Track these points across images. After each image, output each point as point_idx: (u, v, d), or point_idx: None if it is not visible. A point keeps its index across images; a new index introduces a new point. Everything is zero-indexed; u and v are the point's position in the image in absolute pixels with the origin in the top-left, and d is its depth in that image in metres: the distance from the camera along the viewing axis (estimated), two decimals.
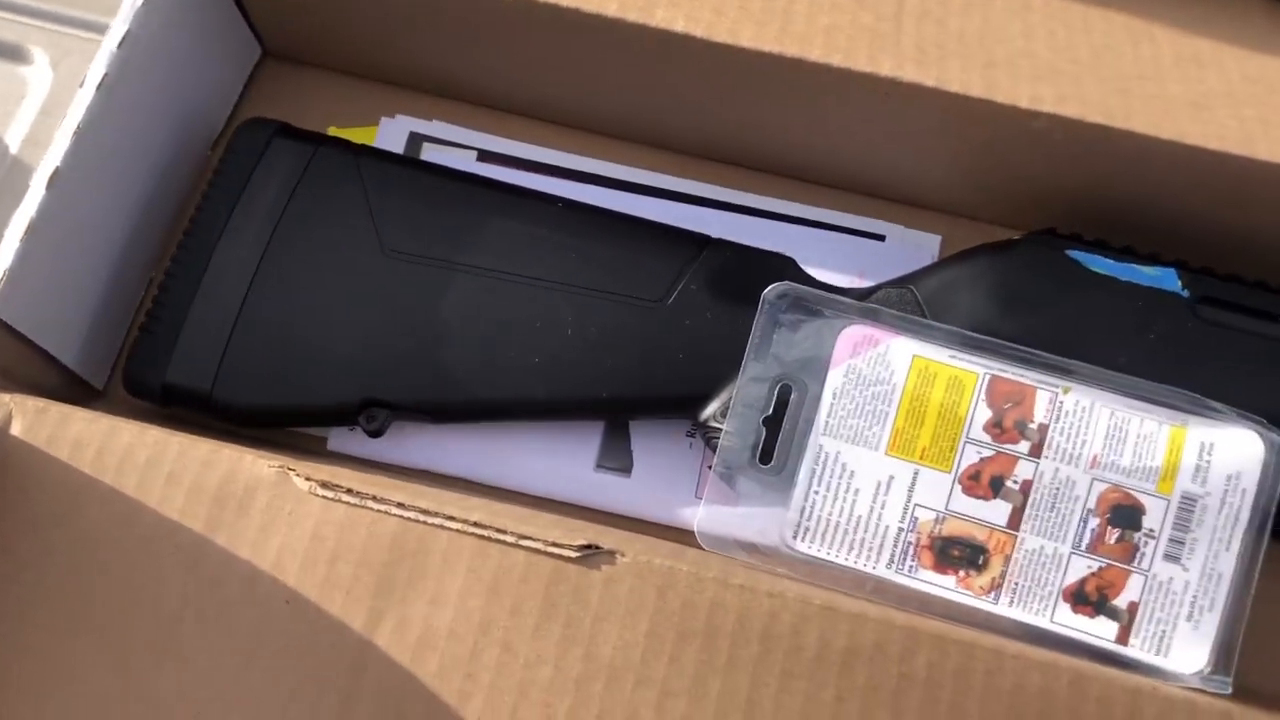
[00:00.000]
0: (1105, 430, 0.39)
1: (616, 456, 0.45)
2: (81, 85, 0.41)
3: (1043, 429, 0.39)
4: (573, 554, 0.36)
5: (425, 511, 0.37)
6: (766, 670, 0.35)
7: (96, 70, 0.41)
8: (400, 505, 0.37)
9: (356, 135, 0.49)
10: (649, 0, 0.43)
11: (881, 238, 0.49)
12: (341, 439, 0.45)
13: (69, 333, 0.42)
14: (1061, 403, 0.39)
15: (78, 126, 0.40)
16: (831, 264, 0.47)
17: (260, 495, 0.37)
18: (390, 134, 0.49)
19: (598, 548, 0.36)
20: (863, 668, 0.35)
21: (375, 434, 0.42)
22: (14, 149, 0.50)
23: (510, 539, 0.36)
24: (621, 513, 0.44)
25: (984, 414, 0.39)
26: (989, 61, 0.43)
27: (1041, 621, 0.39)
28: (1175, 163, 0.42)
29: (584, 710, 0.35)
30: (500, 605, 0.36)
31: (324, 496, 0.37)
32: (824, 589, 0.37)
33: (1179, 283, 0.43)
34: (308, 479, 0.37)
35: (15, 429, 0.37)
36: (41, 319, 0.40)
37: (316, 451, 0.45)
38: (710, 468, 0.45)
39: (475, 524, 0.36)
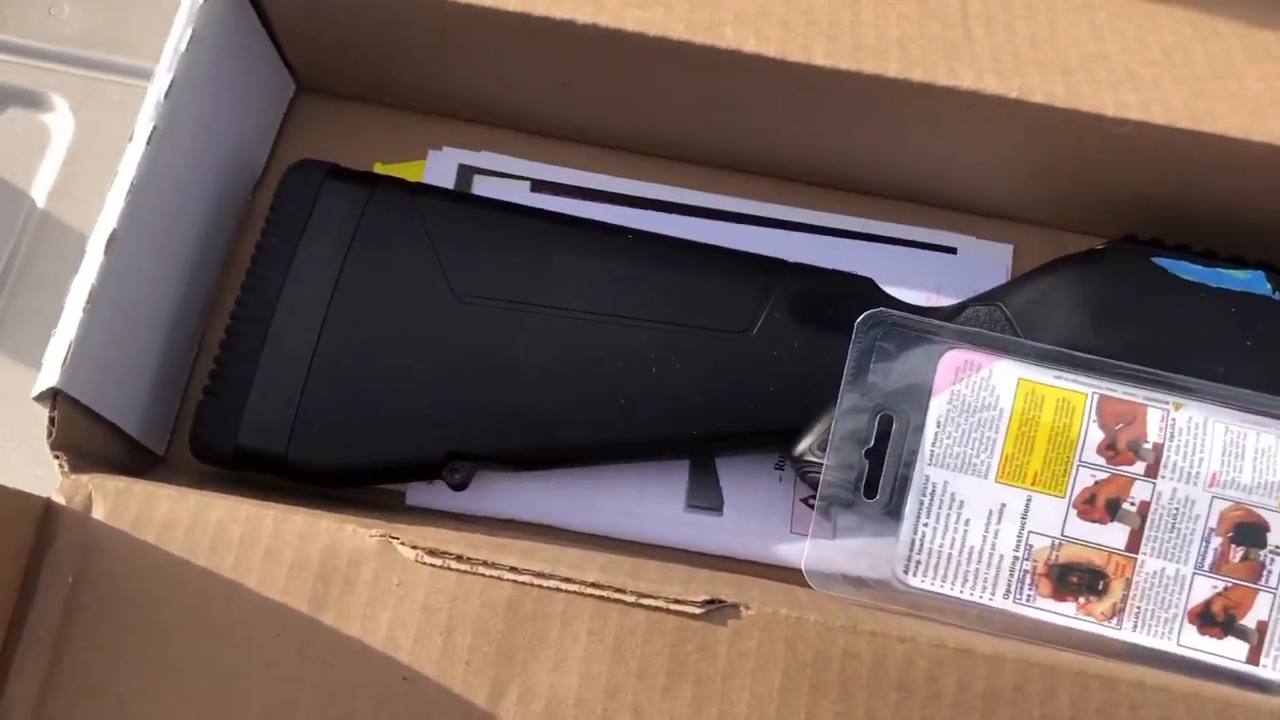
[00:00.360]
0: (1222, 446, 0.38)
1: (706, 495, 0.43)
2: (131, 139, 0.39)
3: (1158, 448, 0.38)
4: (697, 610, 0.35)
5: (540, 574, 0.35)
6: (905, 719, 0.34)
7: (145, 123, 0.39)
8: (513, 569, 0.35)
9: (404, 171, 0.47)
10: (714, 20, 0.41)
11: (953, 250, 0.48)
12: (421, 493, 0.43)
13: (130, 400, 0.40)
14: (1174, 420, 0.38)
15: (132, 184, 0.38)
16: (906, 281, 0.46)
17: (365, 568, 0.35)
18: (439, 168, 0.47)
19: (721, 602, 0.35)
20: (1004, 711, 0.34)
21: (459, 487, 0.41)
22: (40, 202, 0.47)
23: (630, 598, 0.35)
24: (714, 552, 0.43)
25: (1096, 435, 0.38)
26: (1065, 68, 0.42)
27: (1168, 645, 0.38)
28: (1264, 164, 0.41)
29: None
30: (626, 668, 0.34)
31: (432, 564, 0.35)
32: (953, 628, 0.36)
33: (1269, 286, 0.43)
34: (413, 547, 0.35)
35: (98, 512, 0.35)
36: (104, 389, 0.38)
37: (394, 507, 0.43)
38: (803, 500, 0.44)
39: (593, 584, 0.35)
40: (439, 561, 0.35)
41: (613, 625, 0.35)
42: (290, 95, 0.49)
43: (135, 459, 0.41)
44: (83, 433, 0.38)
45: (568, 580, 0.35)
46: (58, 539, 0.35)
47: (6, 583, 0.34)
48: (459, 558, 0.35)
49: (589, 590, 0.35)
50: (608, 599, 0.35)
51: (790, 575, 0.43)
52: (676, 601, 0.35)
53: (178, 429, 0.44)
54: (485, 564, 0.35)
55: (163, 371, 0.42)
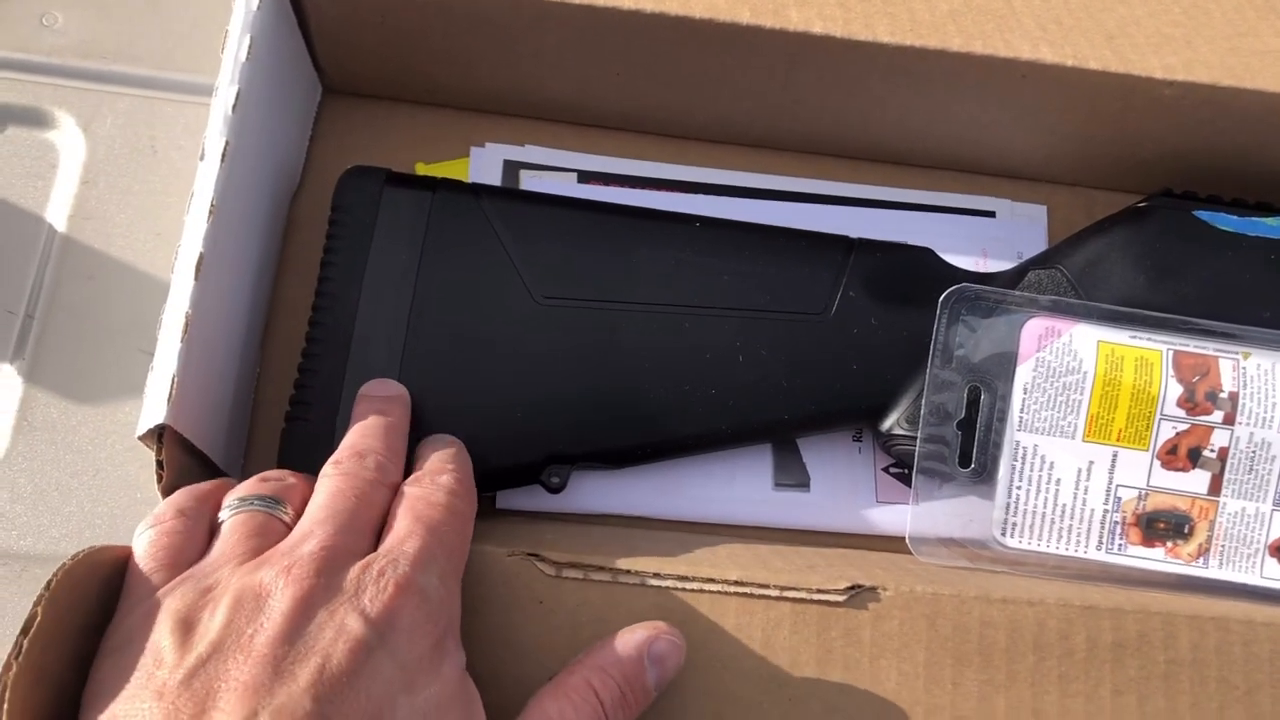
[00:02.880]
0: None
1: (793, 473, 0.44)
2: (202, 158, 0.37)
3: (1233, 396, 0.40)
4: (840, 598, 0.35)
5: (681, 578, 0.35)
6: (1044, 678, 0.36)
7: (216, 138, 0.37)
8: (656, 575, 0.35)
9: (447, 170, 0.46)
10: (778, 3, 0.41)
11: (992, 214, 0.49)
12: (510, 495, 0.42)
13: (216, 429, 0.38)
14: (1245, 368, 0.40)
15: (212, 204, 0.36)
16: (954, 247, 0.47)
17: (505, 589, 0.34)
18: (483, 165, 0.46)
19: (860, 586, 0.36)
20: (1132, 660, 0.36)
21: (557, 490, 0.40)
22: (60, 226, 0.45)
23: (774, 593, 0.35)
24: (804, 528, 0.44)
25: (1175, 389, 0.40)
26: (1107, 34, 0.43)
27: (1251, 579, 0.40)
28: None
29: None
30: (778, 660, 0.35)
31: (573, 578, 0.35)
32: (1077, 585, 0.38)
33: None
34: (554, 563, 0.35)
35: None
36: (199, 421, 0.36)
37: (483, 512, 0.42)
38: (885, 470, 0.45)
39: (735, 582, 0.35)
40: (580, 574, 0.35)
41: (759, 620, 0.35)
42: (319, 98, 0.47)
43: None
44: (184, 469, 0.36)
45: (710, 580, 0.35)
46: None
47: None
48: (600, 569, 0.35)
49: (731, 589, 0.35)
50: (752, 595, 0.35)
51: (880, 543, 0.44)
52: (819, 591, 0.35)
53: (249, 454, 0.42)
54: (627, 573, 0.35)
55: (237, 395, 0.40)
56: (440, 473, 0.35)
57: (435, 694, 0.29)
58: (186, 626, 0.28)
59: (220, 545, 0.31)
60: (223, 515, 0.32)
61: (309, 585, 0.29)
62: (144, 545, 0.31)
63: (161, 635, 0.28)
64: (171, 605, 0.29)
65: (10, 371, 0.43)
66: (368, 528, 0.32)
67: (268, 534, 0.32)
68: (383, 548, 0.31)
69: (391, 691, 0.28)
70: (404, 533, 0.32)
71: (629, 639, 0.33)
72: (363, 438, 0.35)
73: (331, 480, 0.33)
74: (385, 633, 0.29)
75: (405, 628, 0.29)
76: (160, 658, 0.27)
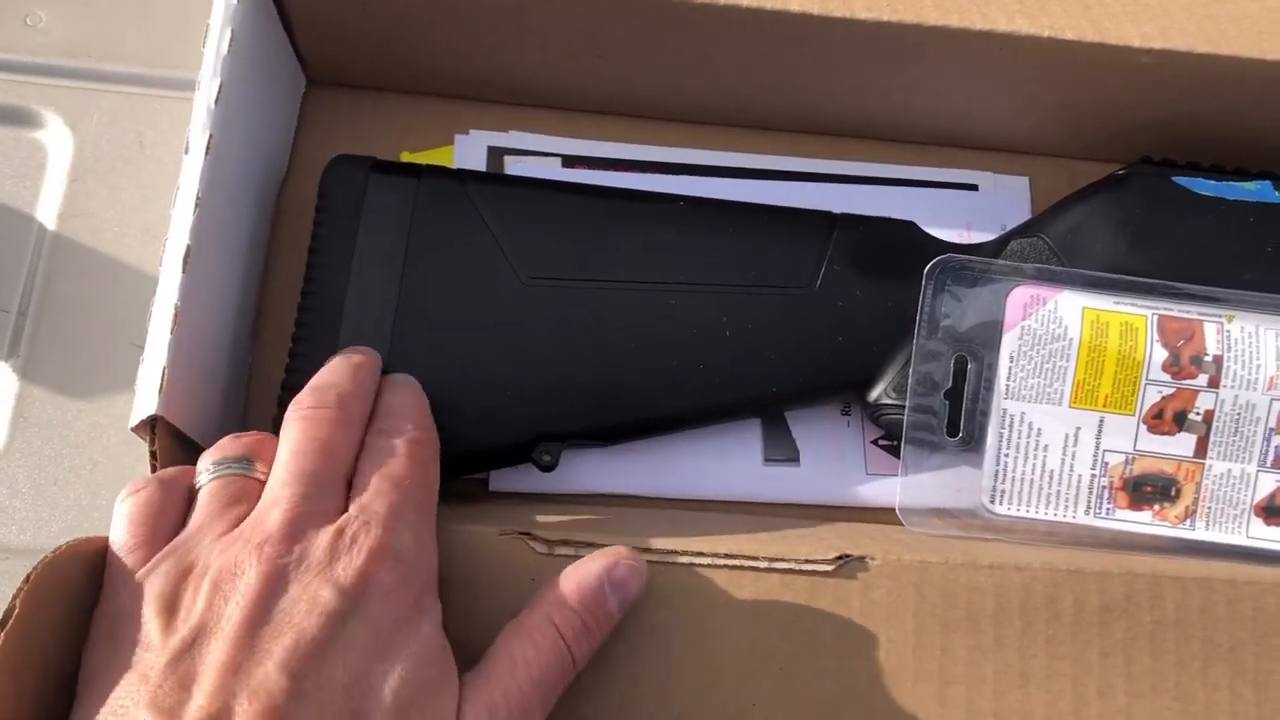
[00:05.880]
0: (1275, 351, 0.41)
1: (782, 448, 0.44)
2: (187, 152, 0.37)
3: (1218, 359, 0.40)
4: (828, 568, 0.36)
5: (672, 552, 0.36)
6: (1032, 642, 0.36)
7: (199, 131, 0.37)
8: (646, 550, 0.35)
9: (432, 158, 0.47)
10: None
11: (974, 187, 0.49)
12: (504, 477, 0.43)
13: (209, 419, 0.39)
14: (1229, 331, 0.41)
15: (198, 197, 0.36)
16: (938, 221, 0.47)
17: (498, 567, 0.35)
18: (468, 152, 0.47)
19: (849, 556, 0.36)
20: (1118, 622, 0.37)
21: (549, 468, 0.41)
22: (50, 225, 0.45)
23: (762, 564, 0.36)
24: (795, 502, 0.44)
25: (1160, 354, 0.40)
26: (1084, 3, 0.44)
27: (1237, 539, 0.41)
28: (1272, 79, 0.44)
29: (873, 718, 0.35)
30: (768, 631, 0.35)
31: (565, 555, 0.35)
32: (1064, 550, 0.38)
33: (1276, 193, 0.45)
34: (546, 541, 0.35)
35: None
36: (190, 410, 0.37)
37: (477, 495, 0.43)
38: (874, 442, 0.45)
39: (725, 555, 0.36)
40: (571, 551, 0.35)
41: (749, 591, 0.36)
42: (303, 90, 0.47)
43: None
44: (175, 461, 0.36)
45: (699, 554, 0.36)
46: None
47: None
48: (591, 545, 0.35)
49: (721, 562, 0.36)
50: (741, 567, 0.36)
51: (871, 515, 0.44)
52: (808, 561, 0.36)
53: None
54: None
55: (229, 386, 0.41)
56: (403, 419, 0.35)
57: (414, 654, 0.30)
58: (170, 609, 0.29)
59: (197, 515, 0.31)
60: (199, 480, 0.33)
61: (279, 561, 0.29)
62: (123, 514, 0.31)
63: (147, 618, 0.29)
64: (154, 587, 0.29)
65: (5, 369, 0.43)
66: (335, 481, 0.32)
67: (244, 497, 0.32)
68: (352, 509, 0.31)
69: (368, 659, 0.29)
70: (373, 491, 0.32)
71: (588, 569, 0.34)
72: (325, 374, 0.35)
73: (294, 428, 0.33)
74: (359, 600, 0.29)
75: (379, 593, 0.30)
76: (147, 641, 0.28)
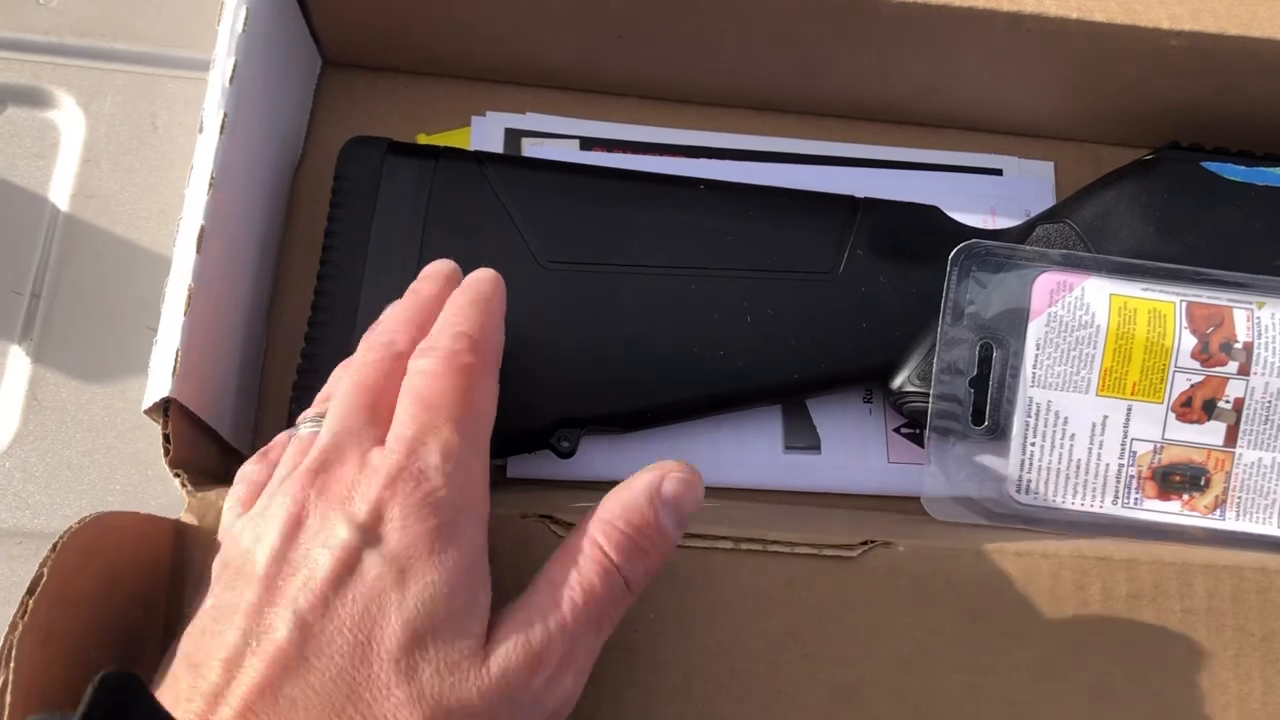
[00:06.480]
0: None
1: (803, 435, 0.44)
2: (201, 131, 0.36)
3: (1248, 346, 0.40)
4: (854, 553, 0.35)
5: (696, 536, 0.35)
6: (1064, 630, 0.35)
7: (214, 111, 0.37)
8: None
9: (449, 140, 0.46)
10: None
11: (999, 172, 0.49)
12: (521, 464, 0.42)
13: (223, 403, 0.38)
14: (1259, 318, 0.40)
15: (212, 177, 0.36)
16: (962, 205, 0.46)
17: (524, 553, 0.34)
18: (485, 133, 0.46)
19: (874, 542, 0.35)
20: (1147, 610, 0.36)
21: (568, 454, 0.40)
22: (64, 206, 0.44)
23: (786, 549, 0.35)
24: (816, 490, 0.44)
25: (1189, 341, 0.40)
26: None
27: (1269, 529, 0.40)
28: None
29: (901, 705, 0.34)
30: (797, 614, 0.35)
31: None
32: (1089, 539, 0.38)
33: None
34: (567, 525, 0.35)
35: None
36: (204, 394, 0.36)
37: (494, 482, 0.42)
38: (896, 430, 0.44)
39: (749, 539, 0.35)
40: None
41: (773, 577, 0.35)
42: (318, 70, 0.46)
43: (227, 465, 0.40)
44: (190, 444, 0.36)
45: (723, 539, 0.35)
46: (196, 562, 0.33)
47: (155, 614, 0.32)
48: None
49: (745, 546, 0.35)
50: (766, 552, 0.35)
51: (893, 504, 0.44)
52: (834, 546, 0.35)
53: (258, 428, 0.42)
54: None
55: (244, 369, 0.40)
56: (444, 332, 0.33)
57: (433, 582, 0.28)
58: (224, 556, 0.30)
59: (280, 468, 0.32)
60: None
61: (301, 498, 0.29)
62: (239, 480, 0.33)
63: (215, 565, 0.30)
64: (227, 533, 0.31)
65: (19, 352, 0.42)
66: (371, 414, 0.31)
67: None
68: (386, 440, 0.30)
69: (380, 589, 0.27)
70: (401, 417, 0.31)
71: (634, 485, 0.31)
72: (383, 318, 0.35)
73: (344, 375, 0.33)
74: (371, 530, 0.28)
75: (396, 518, 0.28)
76: (211, 586, 0.29)
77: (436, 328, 0.33)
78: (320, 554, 0.28)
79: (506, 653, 0.28)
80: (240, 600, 0.28)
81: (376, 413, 0.31)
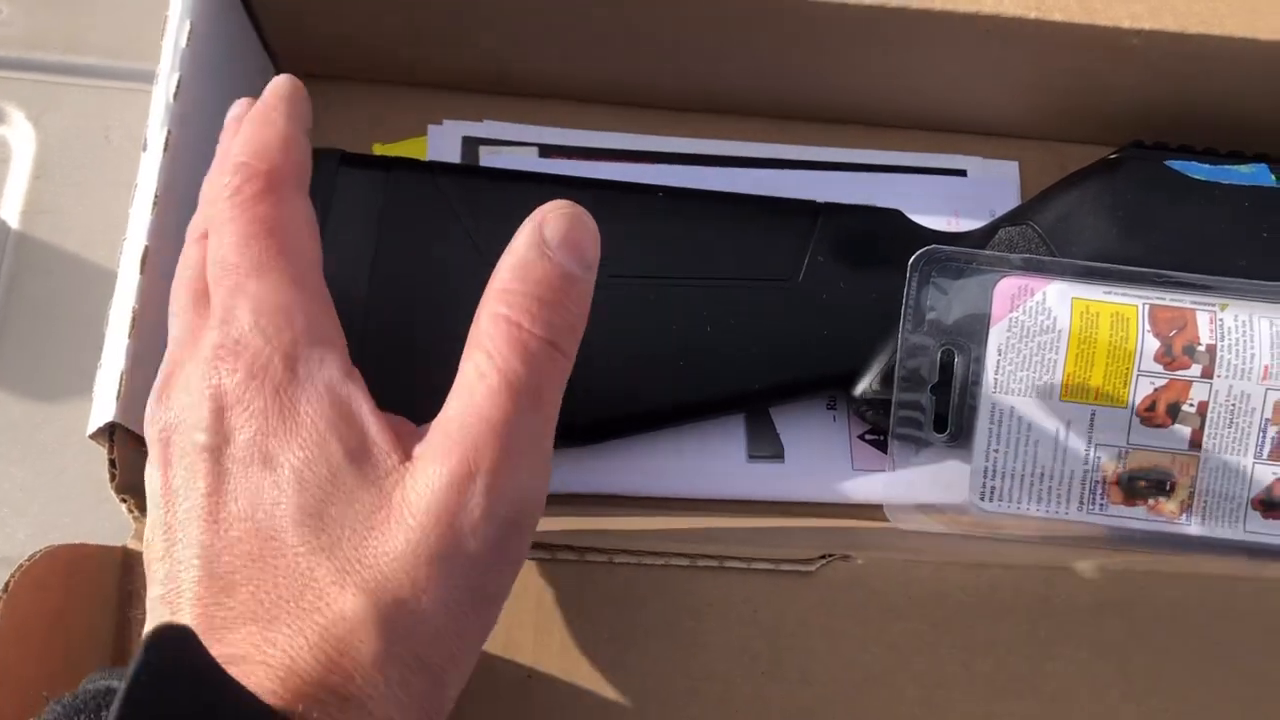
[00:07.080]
0: (1269, 340, 0.39)
1: (767, 444, 0.43)
2: (145, 149, 0.36)
3: (1211, 349, 0.39)
4: (812, 568, 0.35)
5: (651, 554, 0.35)
6: (1026, 642, 0.35)
7: (157, 128, 0.36)
8: (624, 552, 0.34)
9: (405, 149, 0.45)
10: None
11: (963, 172, 0.48)
12: None
13: None
14: (1222, 320, 0.40)
15: (156, 195, 0.35)
16: (925, 207, 0.46)
17: None
18: (442, 143, 0.45)
19: (832, 556, 0.35)
20: (1112, 619, 0.36)
21: None
22: (14, 222, 0.44)
23: (742, 564, 0.35)
24: (779, 499, 0.43)
25: (1152, 345, 0.39)
26: None
27: (1235, 534, 0.40)
28: (1269, 61, 0.43)
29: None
30: (754, 631, 0.34)
31: (540, 558, 0.34)
32: (1054, 548, 0.37)
33: (1272, 176, 0.44)
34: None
35: None
36: None
37: None
38: (860, 437, 0.44)
39: (706, 556, 0.35)
40: (546, 555, 0.34)
41: (732, 593, 0.35)
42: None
43: None
44: (136, 468, 0.35)
45: (679, 555, 0.35)
46: (140, 587, 0.33)
47: (102, 648, 0.32)
48: (566, 548, 0.34)
49: (702, 563, 0.35)
50: (723, 568, 0.35)
51: (858, 512, 0.43)
52: (791, 561, 0.35)
53: None
54: (595, 550, 0.34)
55: None
56: (221, 171, 0.31)
57: (300, 455, 0.26)
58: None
59: None
60: None
61: (159, 429, 0.29)
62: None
63: None
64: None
65: None
66: (196, 310, 0.30)
67: None
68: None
69: (254, 486, 0.27)
70: (211, 291, 0.30)
71: (515, 244, 0.29)
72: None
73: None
74: (218, 430, 0.27)
75: (233, 404, 0.27)
76: None
77: (213, 169, 0.31)
78: (188, 478, 0.27)
79: (425, 481, 0.26)
80: (153, 553, 0.27)
81: (201, 303, 0.30)
